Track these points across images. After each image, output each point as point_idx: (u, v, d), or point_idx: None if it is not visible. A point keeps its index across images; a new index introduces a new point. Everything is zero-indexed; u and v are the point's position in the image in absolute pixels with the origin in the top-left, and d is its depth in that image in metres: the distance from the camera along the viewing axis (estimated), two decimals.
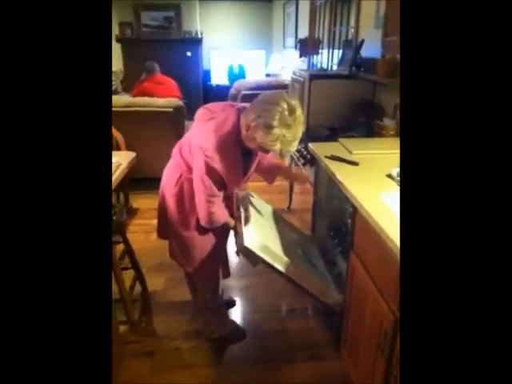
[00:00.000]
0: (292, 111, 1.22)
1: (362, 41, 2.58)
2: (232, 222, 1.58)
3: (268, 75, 6.33)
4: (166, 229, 1.61)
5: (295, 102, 1.26)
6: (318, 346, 1.79)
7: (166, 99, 3.41)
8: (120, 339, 1.79)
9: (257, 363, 1.70)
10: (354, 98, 2.49)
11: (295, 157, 2.55)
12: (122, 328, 1.86)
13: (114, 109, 2.89)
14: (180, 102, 3.41)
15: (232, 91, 5.05)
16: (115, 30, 5.89)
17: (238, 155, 1.39)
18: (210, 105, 1.48)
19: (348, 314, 1.53)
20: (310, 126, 2.47)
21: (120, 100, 3.35)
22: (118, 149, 2.87)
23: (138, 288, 2.08)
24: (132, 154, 2.37)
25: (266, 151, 1.34)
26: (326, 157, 1.72)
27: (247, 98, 4.13)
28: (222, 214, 1.50)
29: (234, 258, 2.09)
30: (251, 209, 1.67)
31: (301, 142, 1.47)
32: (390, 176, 1.46)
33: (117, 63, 5.79)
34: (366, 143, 1.98)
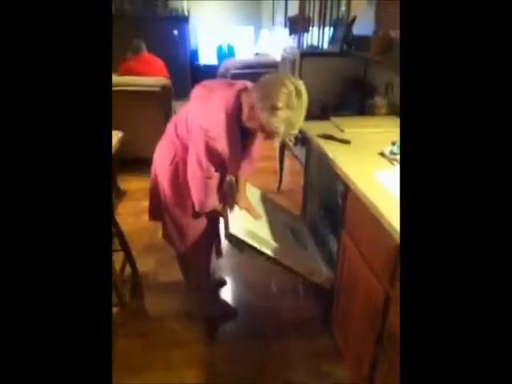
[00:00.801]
0: (299, 94, 1.20)
1: (354, 18, 2.54)
2: (219, 208, 1.55)
3: (257, 54, 6.22)
4: (158, 209, 1.59)
5: (302, 85, 1.22)
6: (309, 322, 1.82)
7: (154, 78, 3.31)
8: (111, 320, 1.78)
9: (249, 340, 1.72)
10: (346, 76, 2.46)
11: None
12: (114, 310, 1.85)
13: None
14: (167, 82, 3.33)
15: (221, 70, 4.96)
16: None
17: (238, 136, 1.35)
18: (206, 82, 1.44)
19: (339, 291, 1.54)
20: None
21: None
22: None
23: (128, 270, 2.07)
24: (119, 134, 2.31)
25: (268, 132, 1.28)
26: (318, 135, 1.70)
27: (236, 78, 4.04)
28: (214, 199, 1.48)
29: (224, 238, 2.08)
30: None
31: None
32: (382, 154, 1.45)
33: None
34: (358, 122, 1.96)
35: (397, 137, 1.41)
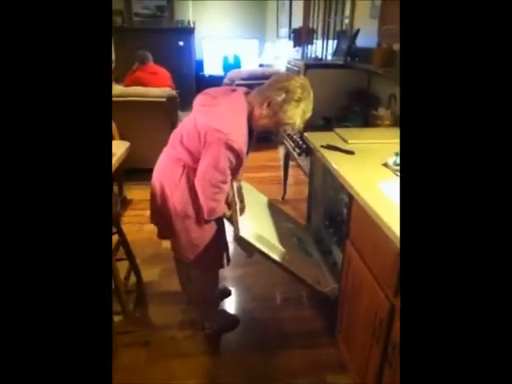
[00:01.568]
0: (308, 87, 1.37)
1: (358, 30, 2.57)
2: (228, 213, 1.56)
3: (261, 65, 6.28)
4: (167, 228, 1.53)
5: (306, 79, 1.41)
6: (313, 333, 1.81)
7: (159, 89, 3.36)
8: (114, 329, 1.78)
9: (252, 351, 1.71)
10: (350, 87, 2.48)
11: (290, 147, 2.54)
12: (117, 318, 1.86)
13: None
14: (173, 92, 3.37)
15: (226, 81, 5.00)
16: None
17: (247, 138, 1.39)
18: (209, 90, 1.47)
19: (343, 302, 1.54)
20: None
21: (112, 90, 3.30)
22: (112, 138, 2.84)
23: (132, 279, 2.08)
24: (126, 144, 2.35)
25: (283, 126, 1.42)
26: (322, 146, 1.72)
27: None
28: (223, 205, 1.49)
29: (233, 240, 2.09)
30: (246, 198, 1.67)
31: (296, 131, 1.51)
32: (385, 165, 1.46)
33: None
34: (362, 133, 1.98)
35: None
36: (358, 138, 1.80)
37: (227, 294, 2.06)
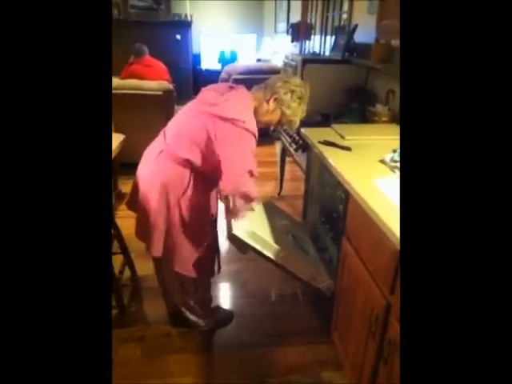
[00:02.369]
0: (307, 87, 1.48)
1: (356, 26, 2.55)
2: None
3: (259, 60, 6.25)
4: (166, 244, 1.48)
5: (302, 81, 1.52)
6: (309, 330, 1.81)
7: (156, 82, 3.33)
8: None
9: (248, 348, 1.71)
10: (347, 83, 2.47)
11: (287, 142, 2.53)
12: (112, 313, 1.84)
13: None
14: (170, 86, 3.34)
15: (223, 75, 4.97)
16: None
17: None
18: (214, 87, 1.47)
19: (339, 298, 1.54)
20: None
21: None
22: None
23: (127, 273, 2.06)
24: (121, 137, 2.32)
25: (285, 122, 1.49)
26: (319, 142, 1.71)
27: (238, 83, 4.06)
28: (256, 188, 1.46)
29: (224, 243, 2.08)
30: None
31: None
32: (382, 161, 1.46)
33: None
34: (359, 129, 1.97)
35: (397, 144, 1.42)
36: (355, 134, 1.80)
37: (230, 318, 1.87)
